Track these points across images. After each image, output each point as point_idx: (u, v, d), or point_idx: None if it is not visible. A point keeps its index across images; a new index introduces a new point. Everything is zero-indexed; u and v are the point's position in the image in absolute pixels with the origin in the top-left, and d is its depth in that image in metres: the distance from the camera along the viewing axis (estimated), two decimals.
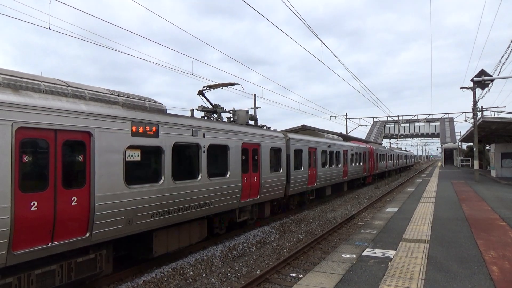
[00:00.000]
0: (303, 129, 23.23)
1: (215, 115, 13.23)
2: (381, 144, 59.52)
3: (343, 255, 7.48)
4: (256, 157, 12.98)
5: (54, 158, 6.33)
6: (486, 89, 24.56)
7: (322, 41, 17.00)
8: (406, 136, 76.76)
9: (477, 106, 26.89)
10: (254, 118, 14.97)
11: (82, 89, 7.43)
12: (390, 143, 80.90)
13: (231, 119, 13.90)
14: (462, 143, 65.65)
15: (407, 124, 72.93)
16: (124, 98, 8.26)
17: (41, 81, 6.72)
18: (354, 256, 7.40)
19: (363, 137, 61.31)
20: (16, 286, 5.93)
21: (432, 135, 75.46)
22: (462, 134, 57.93)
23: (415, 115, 67.41)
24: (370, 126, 74.08)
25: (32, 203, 5.93)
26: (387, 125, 76.77)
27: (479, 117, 26.74)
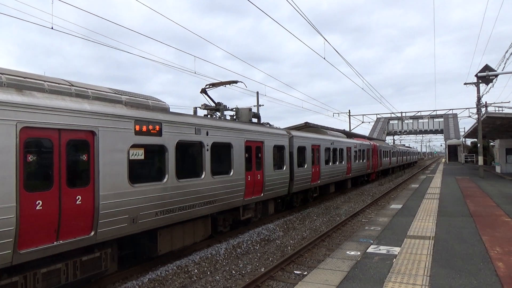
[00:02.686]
0: (306, 127, 23.19)
1: (218, 113, 13.23)
2: (384, 141, 59.34)
3: (348, 252, 7.47)
4: (260, 155, 12.97)
5: (58, 158, 6.35)
6: (490, 84, 24.40)
7: (324, 38, 16.94)
8: (410, 132, 76.45)
9: (481, 102, 26.74)
10: (257, 115, 14.95)
11: (86, 88, 7.44)
12: (394, 139, 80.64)
13: (234, 117, 13.90)
14: (466, 139, 65.29)
15: (411, 121, 72.65)
16: (127, 97, 8.27)
17: (45, 81, 6.74)
18: (359, 253, 7.39)
19: (367, 134, 61.15)
20: (22, 284, 5.97)
21: (436, 131, 75.13)
22: (466, 130, 57.61)
23: (419, 112, 67.18)
24: (374, 123, 73.89)
25: (37, 203, 5.96)
26: (390, 122, 76.50)
27: (483, 112, 26.58)
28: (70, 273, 6.67)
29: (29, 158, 5.97)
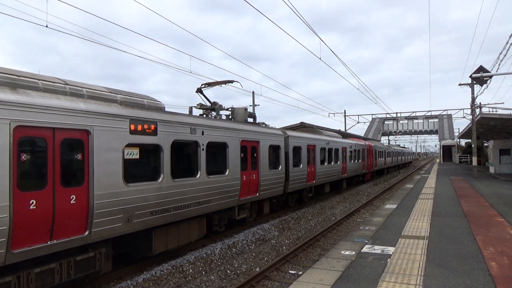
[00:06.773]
0: (302, 127, 23.23)
1: (214, 113, 13.21)
2: (379, 141, 59.59)
3: (343, 252, 7.49)
4: (255, 155, 12.97)
5: (53, 157, 6.31)
6: (485, 85, 24.59)
7: (320, 39, 16.97)
8: (405, 133, 76.83)
9: (475, 103, 26.93)
10: (252, 115, 14.96)
11: (80, 87, 7.40)
12: (389, 140, 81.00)
13: (230, 117, 13.88)
14: (461, 139, 65.77)
15: (406, 121, 72.97)
16: (123, 96, 8.23)
17: (39, 80, 6.69)
18: (354, 253, 7.41)
19: (362, 134, 61.36)
20: (16, 284, 5.93)
21: (430, 132, 75.56)
22: (460, 131, 58.00)
23: (414, 112, 67.49)
24: (369, 123, 74.15)
25: (30, 202, 5.92)
26: (385, 122, 76.81)
27: (477, 113, 26.78)
28: (64, 273, 6.62)
29: (23, 157, 5.93)
